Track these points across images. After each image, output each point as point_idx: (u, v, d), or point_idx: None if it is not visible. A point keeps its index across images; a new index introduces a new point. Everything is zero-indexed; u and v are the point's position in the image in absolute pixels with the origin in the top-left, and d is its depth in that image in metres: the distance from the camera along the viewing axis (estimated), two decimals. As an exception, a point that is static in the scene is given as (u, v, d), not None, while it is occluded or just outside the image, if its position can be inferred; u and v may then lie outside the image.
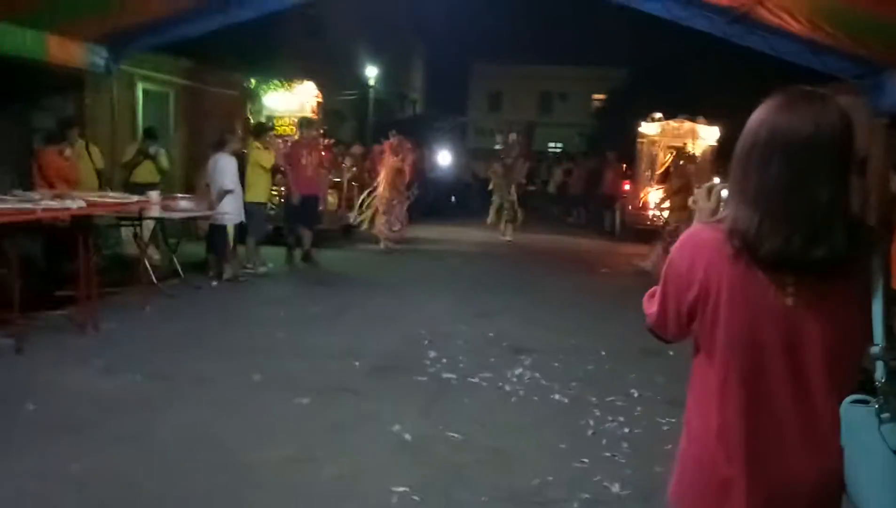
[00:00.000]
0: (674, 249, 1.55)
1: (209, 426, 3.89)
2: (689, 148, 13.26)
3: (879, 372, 1.39)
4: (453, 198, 19.27)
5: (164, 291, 7.06)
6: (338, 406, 4.33)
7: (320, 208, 10.30)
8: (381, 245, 10.92)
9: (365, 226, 11.24)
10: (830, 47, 7.07)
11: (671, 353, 5.58)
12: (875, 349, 1.39)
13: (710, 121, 13.12)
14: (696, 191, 1.72)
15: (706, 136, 13.19)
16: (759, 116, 1.45)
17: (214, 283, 7.67)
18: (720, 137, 13.18)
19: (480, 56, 43.75)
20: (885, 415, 1.33)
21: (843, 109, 1.41)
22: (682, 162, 10.76)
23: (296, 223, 9.19)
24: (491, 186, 13.20)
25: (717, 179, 1.45)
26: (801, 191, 1.36)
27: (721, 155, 13.75)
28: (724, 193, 1.61)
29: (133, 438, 3.71)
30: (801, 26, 6.81)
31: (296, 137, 9.68)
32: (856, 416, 1.37)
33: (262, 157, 8.40)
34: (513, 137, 14.11)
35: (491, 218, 13.11)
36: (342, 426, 4.00)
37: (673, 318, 1.54)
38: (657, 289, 1.58)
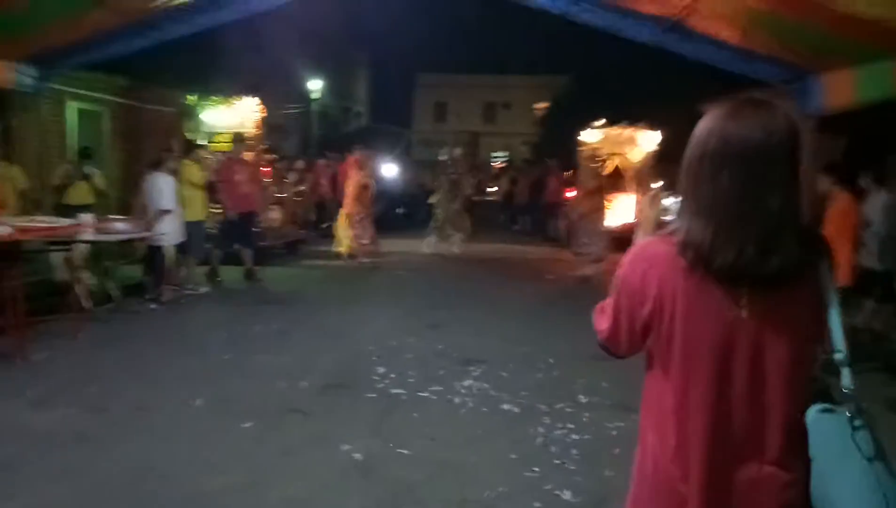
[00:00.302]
0: (624, 263, 1.51)
1: (151, 458, 3.73)
2: (626, 153, 13.63)
3: (846, 379, 1.38)
4: (401, 210, 19.21)
5: (99, 317, 6.79)
6: (285, 429, 4.22)
7: (259, 224, 10.20)
8: (359, 260, 10.86)
9: (343, 250, 11.07)
10: (761, 54, 7.34)
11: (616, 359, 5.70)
12: (840, 356, 1.39)
13: (651, 127, 13.44)
14: (639, 198, 1.71)
15: (647, 142, 13.51)
16: (706, 124, 1.42)
17: (153, 306, 7.43)
18: (660, 142, 13.55)
19: (425, 66, 43.92)
20: (858, 422, 1.32)
21: (790, 114, 1.38)
22: (598, 165, 11.01)
23: (232, 241, 9.03)
24: (435, 201, 13.12)
25: (659, 183, 1.45)
26: (752, 200, 1.34)
27: (661, 159, 14.16)
28: (668, 201, 1.60)
29: (70, 474, 3.53)
30: (733, 34, 7.05)
31: (228, 154, 9.45)
32: (826, 425, 1.35)
33: (192, 173, 8.19)
34: (457, 151, 14.31)
35: (433, 236, 12.80)
36: (290, 449, 3.91)
37: (626, 333, 1.50)
38: (607, 304, 1.54)
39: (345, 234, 10.95)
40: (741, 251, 1.32)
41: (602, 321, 1.56)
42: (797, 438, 1.36)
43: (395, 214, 18.52)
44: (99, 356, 5.63)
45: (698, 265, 1.36)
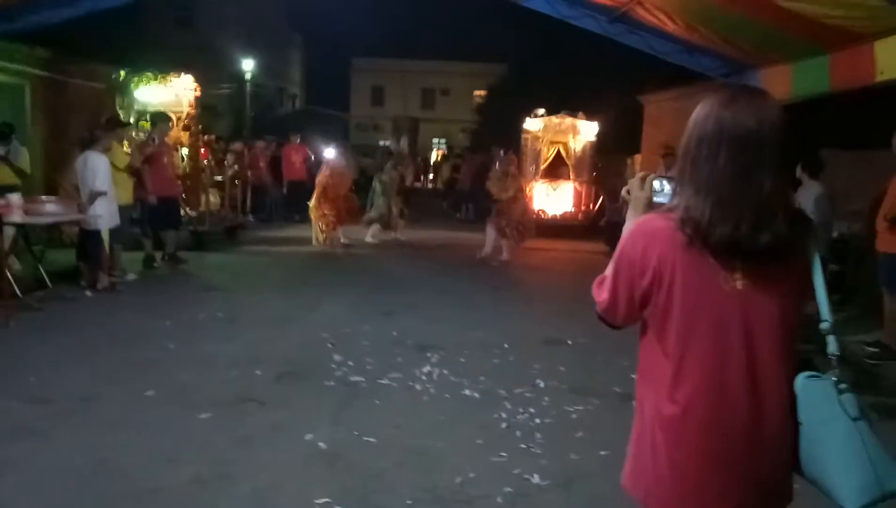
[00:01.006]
0: (625, 237, 1.62)
1: (101, 451, 3.55)
2: (570, 142, 13.86)
3: (832, 346, 1.51)
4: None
5: (31, 304, 6.40)
6: (243, 418, 4.09)
7: (186, 209, 9.99)
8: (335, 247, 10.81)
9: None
10: (703, 47, 7.57)
11: (569, 342, 5.81)
12: (825, 325, 1.52)
13: (590, 117, 13.68)
14: (629, 181, 1.80)
15: (586, 131, 13.75)
16: (704, 111, 1.53)
17: (89, 293, 7.06)
18: (598, 133, 13.82)
19: (362, 50, 43.38)
20: (843, 386, 1.46)
21: (780, 105, 1.53)
22: (512, 157, 11.28)
23: (155, 227, 8.74)
24: (379, 190, 13.00)
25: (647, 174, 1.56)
26: (747, 181, 1.46)
27: (600, 150, 14.46)
28: (657, 183, 1.71)
29: (13, 468, 3.32)
30: (677, 27, 7.24)
31: (157, 133, 8.99)
32: (814, 390, 1.48)
33: (115, 154, 7.77)
34: (404, 143, 14.28)
35: (376, 225, 12.58)
36: (250, 440, 3.79)
37: (625, 304, 1.60)
38: (607, 276, 1.64)
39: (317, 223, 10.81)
40: (737, 226, 1.44)
41: (601, 293, 1.65)
42: (789, 403, 1.49)
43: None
44: (35, 344, 5.31)
45: (697, 239, 1.48)
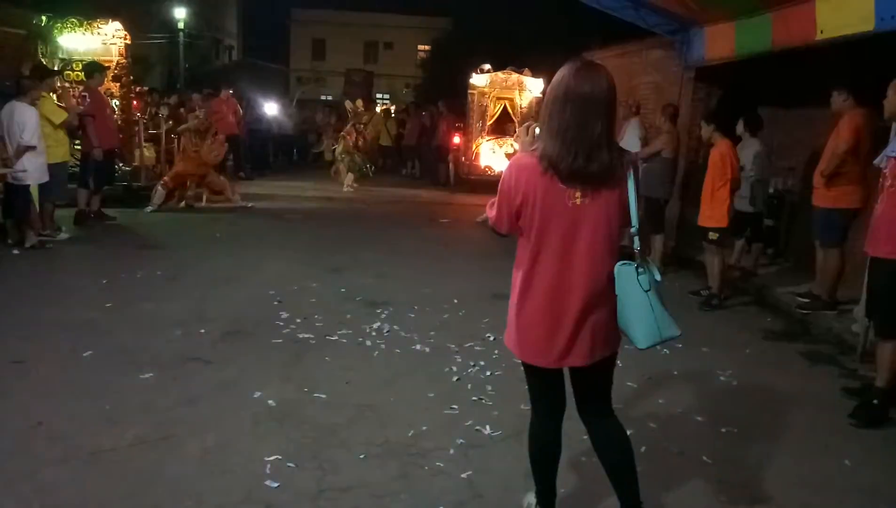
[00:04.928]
0: (505, 170, 2.26)
1: (38, 414, 3.39)
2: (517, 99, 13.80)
3: (636, 244, 2.22)
4: (295, 153, 18.47)
5: (-47, 263, 6.04)
6: (189, 378, 3.98)
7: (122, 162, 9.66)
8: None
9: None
10: (650, 4, 7.56)
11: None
12: (633, 230, 2.22)
13: (536, 73, 13.62)
14: (518, 129, 2.23)
15: (532, 87, 13.70)
16: (558, 78, 2.16)
17: (16, 251, 6.70)
18: (544, 89, 13.80)
19: (301, 1, 41.85)
20: (641, 270, 2.18)
21: (610, 75, 2.14)
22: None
23: (99, 181, 8.39)
24: (339, 149, 13.25)
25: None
26: (583, 128, 2.09)
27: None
28: (538, 130, 2.27)
29: (-61, 437, 3.15)
30: (625, -19, 7.20)
31: (90, 83, 8.52)
32: (624, 272, 2.18)
33: (49, 108, 7.29)
34: (359, 103, 14.33)
35: (343, 175, 13.26)
36: (197, 399, 3.70)
37: (506, 217, 2.26)
38: (495, 200, 2.29)
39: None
40: (575, 158, 2.10)
41: (491, 211, 2.33)
42: (611, 283, 2.18)
43: (282, 156, 17.79)
44: (-42, 306, 5.01)
45: (549, 170, 2.13)
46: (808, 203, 5.92)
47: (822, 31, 5.62)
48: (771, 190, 7.39)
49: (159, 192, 9.52)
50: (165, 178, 9.77)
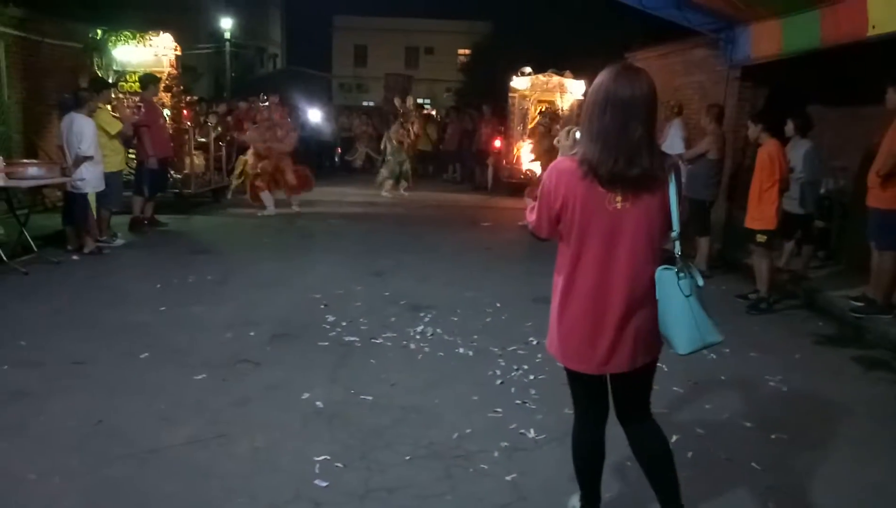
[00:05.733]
0: (545, 175, 2.25)
1: (98, 413, 3.55)
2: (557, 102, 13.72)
3: (677, 248, 2.21)
4: (337, 158, 18.70)
5: (17, 268, 6.32)
6: (239, 379, 4.10)
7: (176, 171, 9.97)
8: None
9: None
10: (693, 3, 7.46)
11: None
12: (674, 234, 2.20)
13: (577, 75, 13.53)
14: (559, 133, 2.29)
15: (573, 90, 13.61)
16: (598, 81, 2.16)
17: (75, 257, 6.98)
18: (585, 92, 13.68)
19: (343, 8, 42.39)
20: (682, 274, 2.16)
21: (650, 79, 2.15)
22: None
23: (154, 190, 8.68)
24: (388, 151, 13.29)
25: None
26: (623, 132, 2.09)
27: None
28: (578, 134, 2.36)
29: (10, 432, 3.32)
30: (668, -19, 7.13)
31: (145, 95, 8.86)
32: (665, 277, 2.17)
33: (105, 119, 7.54)
34: (410, 101, 14.46)
35: (386, 181, 13.21)
36: (247, 399, 3.81)
37: (546, 221, 2.27)
38: (535, 204, 2.30)
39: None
40: (615, 162, 2.08)
41: (531, 215, 2.34)
42: (652, 287, 2.17)
43: (325, 161, 18.04)
44: (24, 309, 5.26)
45: (590, 173, 2.12)
46: (861, 204, 5.75)
47: (874, 27, 5.46)
48: (822, 190, 7.21)
49: (266, 196, 10.24)
50: (258, 182, 10.23)
